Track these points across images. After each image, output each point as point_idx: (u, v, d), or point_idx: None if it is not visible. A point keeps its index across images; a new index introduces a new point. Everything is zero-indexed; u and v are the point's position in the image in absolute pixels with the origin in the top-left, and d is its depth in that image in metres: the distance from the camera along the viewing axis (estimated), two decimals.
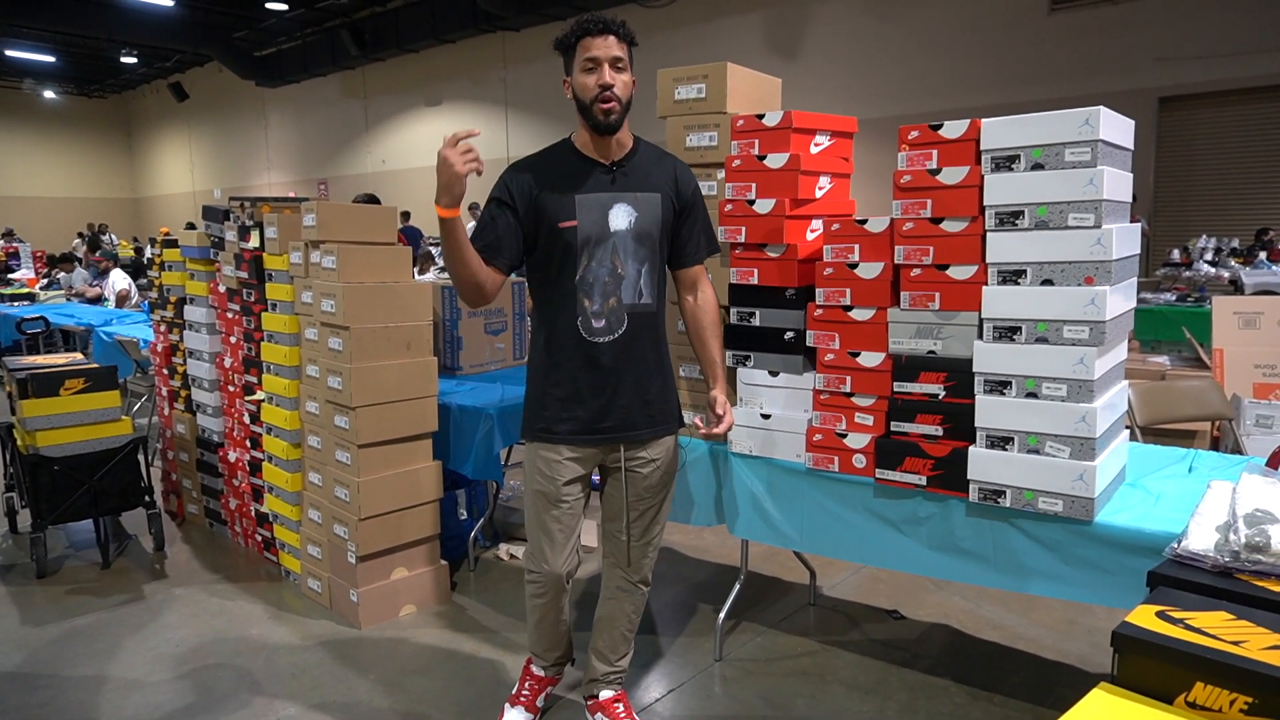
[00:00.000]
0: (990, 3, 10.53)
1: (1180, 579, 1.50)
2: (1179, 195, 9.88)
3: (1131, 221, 2.21)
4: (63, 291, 9.17)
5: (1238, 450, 3.47)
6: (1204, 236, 7.73)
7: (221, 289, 3.85)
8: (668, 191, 2.25)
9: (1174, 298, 6.39)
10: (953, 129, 2.16)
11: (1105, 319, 1.97)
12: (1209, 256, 7.37)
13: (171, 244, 4.20)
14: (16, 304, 8.34)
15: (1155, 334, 6.17)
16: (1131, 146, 2.18)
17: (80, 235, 17.38)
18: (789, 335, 2.54)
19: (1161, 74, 9.50)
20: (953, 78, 10.84)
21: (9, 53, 19.66)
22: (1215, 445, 3.85)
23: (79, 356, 4.52)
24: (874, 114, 9.91)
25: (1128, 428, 2.55)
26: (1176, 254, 7.82)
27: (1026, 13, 10.26)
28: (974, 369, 2.16)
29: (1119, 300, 2.06)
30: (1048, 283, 2.04)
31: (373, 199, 5.58)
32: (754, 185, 2.55)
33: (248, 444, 3.76)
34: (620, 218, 2.17)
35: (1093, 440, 2.01)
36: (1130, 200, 2.19)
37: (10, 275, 10.42)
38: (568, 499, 2.27)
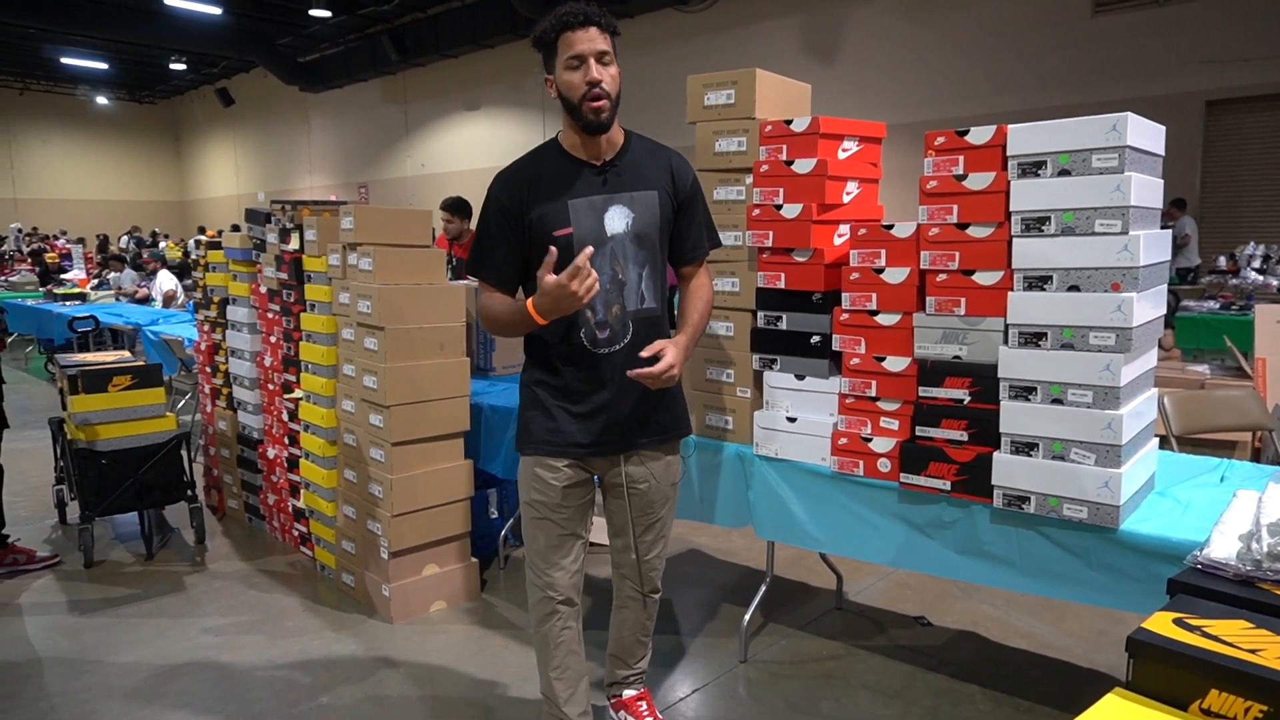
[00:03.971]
0: (1031, 6, 10.39)
1: (1201, 587, 1.49)
2: (1227, 201, 9.67)
3: (1165, 226, 2.19)
4: (112, 291, 9.45)
5: (1277, 461, 3.40)
6: (1251, 243, 7.55)
7: (263, 290, 3.95)
8: (665, 187, 2.13)
9: (1218, 305, 6.28)
10: (979, 135, 2.16)
11: (1132, 325, 1.96)
12: (1256, 264, 7.20)
13: (215, 246, 4.32)
14: (69, 303, 8.61)
15: (1198, 342, 6.05)
16: (1162, 152, 2.17)
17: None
18: (815, 339, 2.55)
19: (1209, 77, 9.32)
20: (992, 82, 10.72)
21: (65, 60, 20.33)
22: (1256, 456, 3.78)
23: (127, 354, 4.68)
24: (911, 118, 9.85)
25: (1161, 436, 2.52)
26: (1223, 261, 7.66)
27: (1068, 15, 10.11)
28: (999, 374, 2.16)
29: (1146, 307, 2.05)
30: (1074, 289, 2.03)
31: (461, 202, 5.65)
32: (781, 190, 2.57)
33: (286, 441, 3.85)
34: (616, 220, 2.06)
35: (1118, 447, 2.00)
36: (1160, 207, 2.18)
37: (63, 275, 10.74)
38: (568, 505, 2.16)
